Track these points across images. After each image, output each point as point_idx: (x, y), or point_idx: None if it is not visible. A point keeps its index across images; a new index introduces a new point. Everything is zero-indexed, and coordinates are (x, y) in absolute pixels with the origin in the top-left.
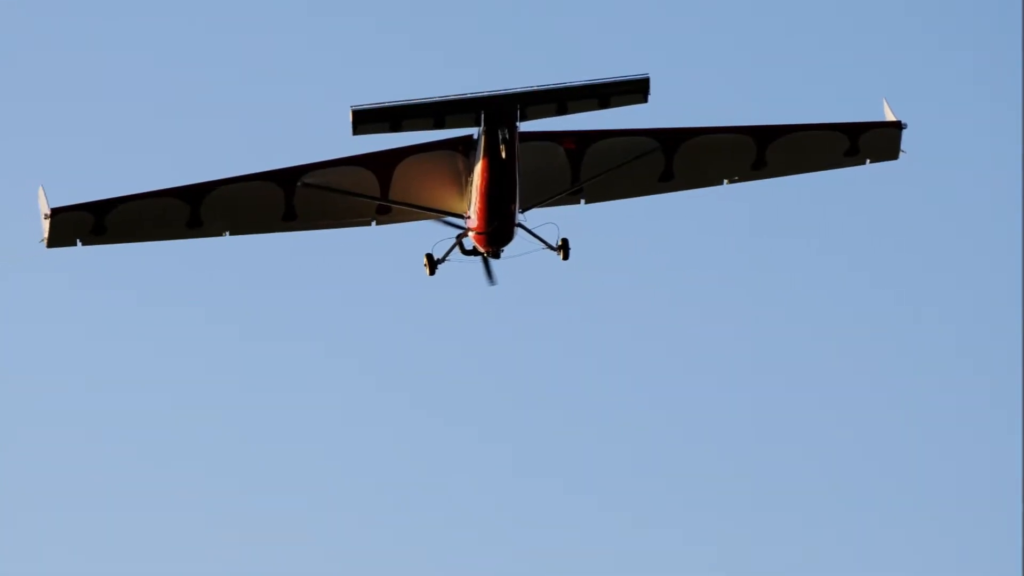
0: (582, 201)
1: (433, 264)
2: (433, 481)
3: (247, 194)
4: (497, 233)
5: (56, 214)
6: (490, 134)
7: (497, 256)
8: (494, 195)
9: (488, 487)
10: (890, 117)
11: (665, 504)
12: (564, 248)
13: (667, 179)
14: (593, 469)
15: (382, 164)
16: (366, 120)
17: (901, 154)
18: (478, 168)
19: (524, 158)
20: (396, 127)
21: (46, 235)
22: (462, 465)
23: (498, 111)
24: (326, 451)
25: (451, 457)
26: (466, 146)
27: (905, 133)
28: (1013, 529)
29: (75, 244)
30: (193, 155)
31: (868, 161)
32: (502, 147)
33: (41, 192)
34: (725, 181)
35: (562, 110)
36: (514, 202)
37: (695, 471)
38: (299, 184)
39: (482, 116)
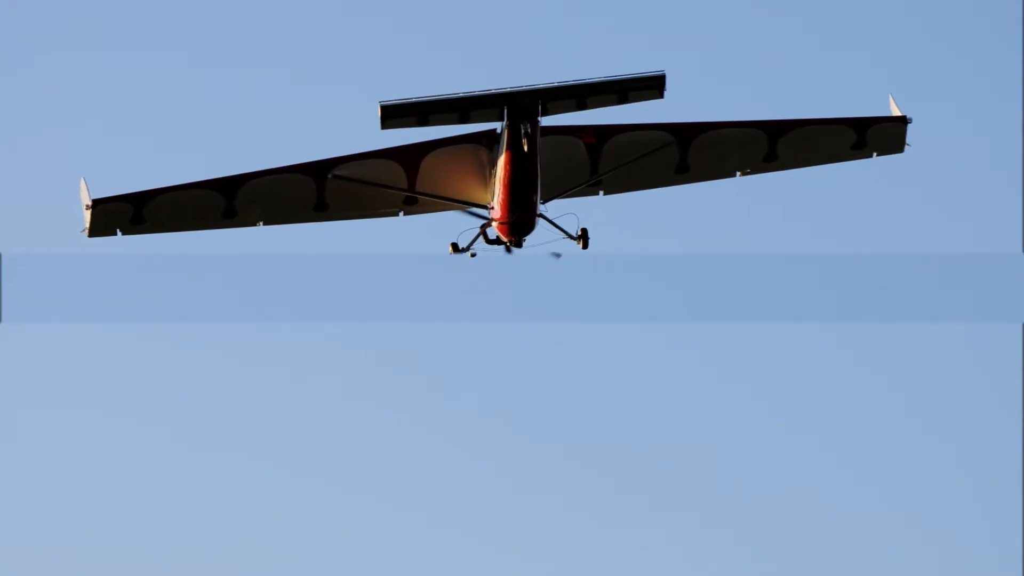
0: (601, 193)
1: (458, 253)
2: (465, 470)
3: (280, 186)
4: (519, 223)
5: (97, 204)
6: (513, 128)
7: (519, 245)
8: (517, 186)
9: (504, 474)
10: (896, 112)
11: (701, 498)
12: (584, 237)
13: (682, 171)
14: (608, 456)
15: (409, 157)
16: (394, 115)
17: (906, 147)
18: (501, 161)
19: (545, 151)
20: (423, 121)
21: (87, 225)
22: (488, 454)
23: (520, 106)
24: (349, 437)
25: (473, 446)
26: (489, 140)
27: (910, 127)
28: (1014, 529)
29: (115, 234)
30: (226, 151)
31: (875, 154)
32: (524, 140)
33: (83, 184)
34: (738, 173)
35: (581, 105)
36: (535, 193)
37: (713, 463)
38: (330, 176)
39: (505, 111)
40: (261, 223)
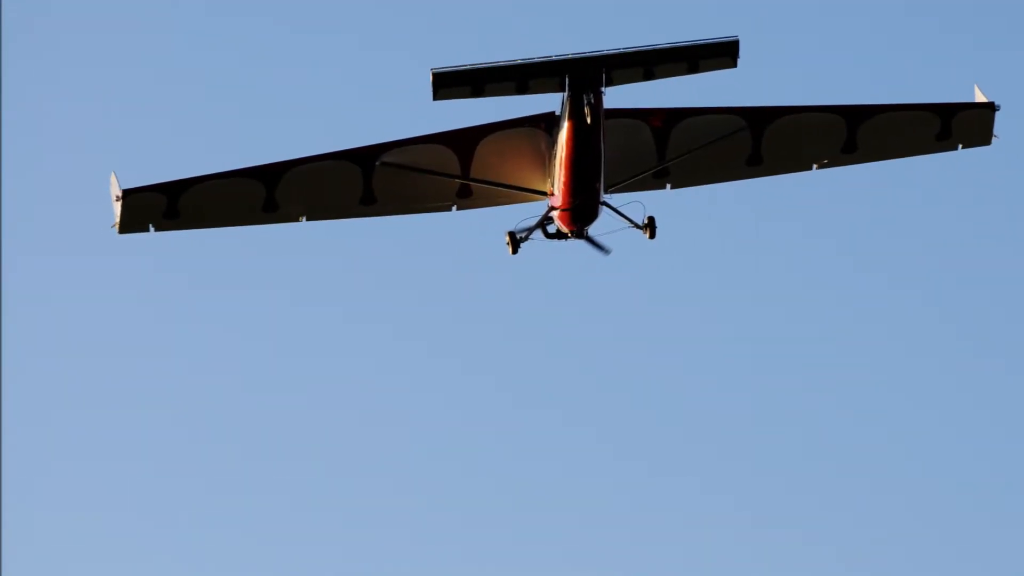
0: (668, 186)
1: (516, 242)
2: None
3: (325, 174)
4: (582, 208)
5: (128, 195)
6: (575, 99)
7: (582, 236)
8: (579, 164)
9: (573, 469)
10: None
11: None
12: (650, 226)
13: (755, 163)
14: (663, 451)
15: (463, 142)
16: (447, 84)
17: (994, 139)
18: (562, 137)
19: (609, 136)
20: (478, 92)
21: (118, 219)
22: (546, 448)
23: (583, 75)
24: (401, 434)
25: (534, 440)
26: (548, 123)
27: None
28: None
29: (148, 230)
30: (266, 142)
31: (960, 146)
32: (587, 111)
33: (113, 177)
34: (814, 166)
35: (648, 75)
36: (599, 179)
37: (768, 455)
38: (378, 163)
39: (566, 81)
40: (303, 218)
